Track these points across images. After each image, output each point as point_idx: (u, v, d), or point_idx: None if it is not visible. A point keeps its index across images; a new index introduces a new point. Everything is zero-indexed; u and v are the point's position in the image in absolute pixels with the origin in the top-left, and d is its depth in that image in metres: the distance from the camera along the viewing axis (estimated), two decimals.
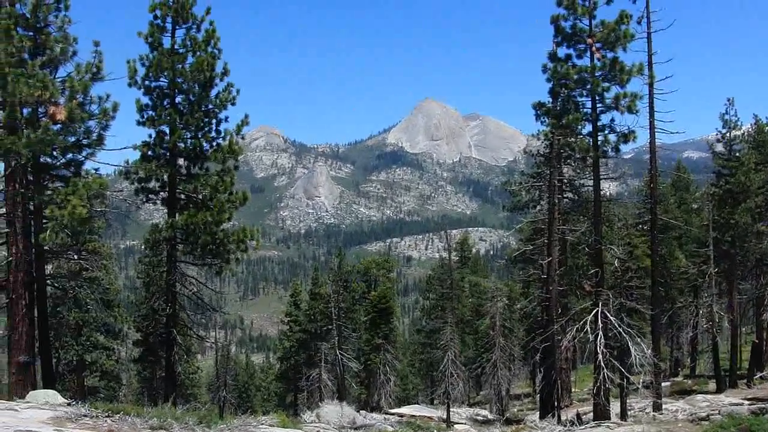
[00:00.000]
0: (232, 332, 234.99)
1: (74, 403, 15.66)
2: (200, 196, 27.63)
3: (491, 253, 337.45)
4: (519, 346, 55.82)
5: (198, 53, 27.70)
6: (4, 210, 24.87)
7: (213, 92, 27.94)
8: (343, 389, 53.27)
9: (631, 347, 28.94)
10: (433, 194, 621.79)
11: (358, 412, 31.68)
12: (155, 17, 27.94)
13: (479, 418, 48.65)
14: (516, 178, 47.35)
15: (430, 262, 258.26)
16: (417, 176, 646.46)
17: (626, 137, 29.32)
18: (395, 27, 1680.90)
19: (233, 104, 28.28)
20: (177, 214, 27.92)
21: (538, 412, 39.47)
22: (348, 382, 55.89)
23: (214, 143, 28.22)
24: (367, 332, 57.55)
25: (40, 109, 22.85)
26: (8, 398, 19.61)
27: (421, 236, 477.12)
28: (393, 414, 44.51)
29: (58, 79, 23.66)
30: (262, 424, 15.20)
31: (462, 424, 42.60)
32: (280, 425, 15.87)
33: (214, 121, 28.25)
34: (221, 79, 27.98)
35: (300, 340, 60.29)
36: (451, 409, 45.38)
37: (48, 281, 27.04)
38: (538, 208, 43.96)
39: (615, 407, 32.05)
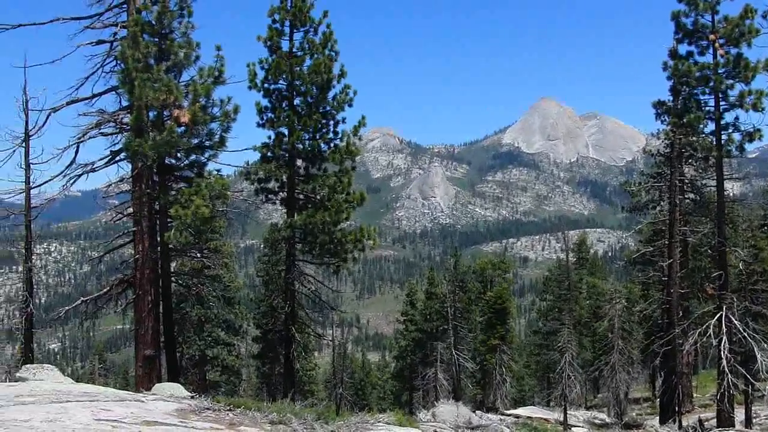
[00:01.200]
0: (348, 330, 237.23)
1: (197, 396, 16.04)
2: (318, 197, 27.95)
3: (609, 254, 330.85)
4: (638, 349, 54.66)
5: (316, 56, 28.04)
6: (131, 210, 25.77)
7: (330, 94, 28.23)
8: (458, 389, 53.16)
9: (756, 353, 28.06)
10: (549, 194, 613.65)
11: (473, 412, 31.59)
12: (274, 21, 28.45)
13: (597, 421, 47.85)
14: (635, 179, 46.30)
15: (547, 263, 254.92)
16: (533, 176, 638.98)
17: (751, 136, 28.44)
18: (511, 27, 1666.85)
19: (350, 106, 28.52)
20: (296, 214, 28.31)
21: (657, 417, 38.63)
22: (464, 382, 55.70)
23: (332, 144, 28.52)
24: (483, 333, 57.31)
25: (165, 112, 23.41)
26: (135, 390, 20.29)
27: (537, 237, 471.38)
28: (509, 415, 44.21)
29: (182, 83, 24.26)
30: (379, 421, 15.27)
31: (579, 427, 41.99)
32: (397, 423, 15.93)
33: (331, 122, 28.55)
34: (338, 81, 28.24)
35: (416, 340, 60.42)
36: (568, 412, 44.76)
37: (172, 278, 27.82)
38: (658, 208, 42.94)
39: (739, 414, 31.11)
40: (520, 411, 48.17)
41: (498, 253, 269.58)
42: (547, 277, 73.53)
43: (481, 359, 56.17)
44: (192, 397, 15.61)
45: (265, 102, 28.76)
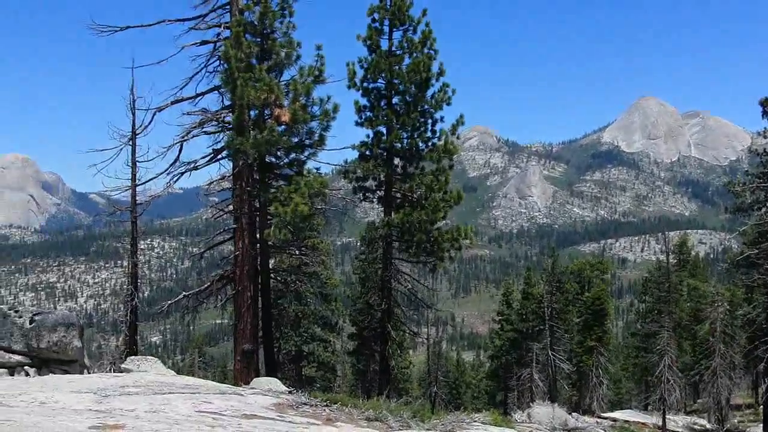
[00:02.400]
0: (443, 329, 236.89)
1: (295, 391, 16.21)
2: (416, 195, 27.95)
3: (711, 256, 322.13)
4: (741, 354, 53.12)
5: (414, 54, 28.06)
6: (232, 207, 26.23)
7: (429, 93, 28.19)
8: (554, 390, 52.58)
9: None
10: (649, 194, 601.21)
11: (569, 414, 31.26)
12: (373, 20, 28.58)
13: (696, 427, 46.86)
14: (739, 178, 44.90)
15: (646, 264, 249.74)
16: (633, 176, 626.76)
17: None
18: (612, 24, 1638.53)
19: (448, 104, 28.44)
20: (393, 213, 28.39)
21: (761, 426, 37.58)
22: (559, 383, 55.09)
23: (430, 143, 28.49)
24: (579, 334, 56.58)
25: (266, 111, 23.75)
26: (234, 383, 20.65)
27: (636, 238, 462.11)
28: (605, 418, 43.65)
29: (283, 82, 24.60)
30: (475, 421, 15.19)
31: None
32: (493, 423, 15.83)
33: (429, 121, 28.52)
34: (437, 80, 28.18)
35: (511, 339, 60.00)
36: (667, 417, 43.92)
37: (271, 275, 28.20)
38: (764, 210, 41.73)
39: None
40: (617, 414, 47.50)
41: (596, 253, 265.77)
42: (647, 279, 72.01)
43: (578, 361, 55.47)
44: (289, 392, 15.78)
45: (363, 101, 28.92)
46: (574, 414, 35.89)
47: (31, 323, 19.35)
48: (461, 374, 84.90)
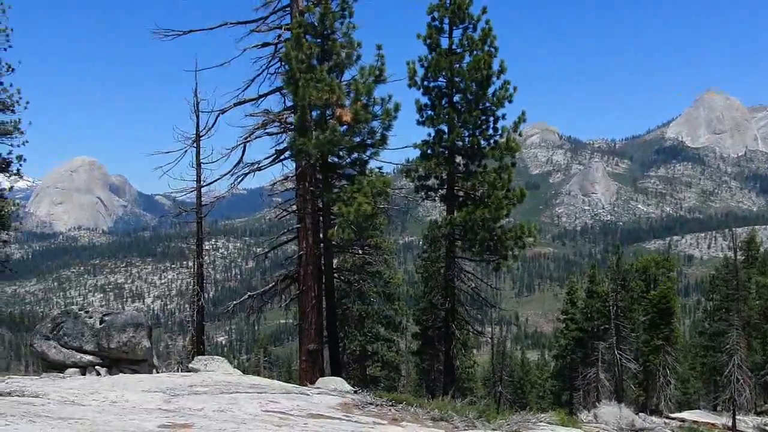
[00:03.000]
0: (507, 328, 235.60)
1: (360, 390, 16.24)
2: (478, 193, 27.84)
3: None
4: None
5: (475, 52, 27.95)
6: (295, 207, 26.41)
7: (490, 90, 28.04)
8: (620, 390, 51.94)
9: None
10: (715, 190, 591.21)
11: (636, 414, 30.87)
12: (433, 19, 28.56)
13: None
14: None
15: (713, 261, 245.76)
16: (698, 171, 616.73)
17: None
18: (675, 19, 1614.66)
19: (510, 102, 28.26)
20: (455, 211, 28.33)
21: None
22: (625, 383, 54.42)
23: (492, 141, 28.34)
24: (645, 332, 55.75)
25: (327, 112, 23.85)
26: (299, 383, 20.77)
27: (702, 234, 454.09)
28: (673, 418, 42.99)
29: (344, 82, 24.67)
30: (541, 421, 15.06)
31: None
32: (559, 423, 15.68)
33: (491, 118, 28.37)
34: (498, 77, 28.00)
35: (576, 338, 59.43)
36: (737, 417, 43.11)
37: (335, 274, 28.33)
38: None
39: None
40: (685, 415, 46.72)
41: (661, 250, 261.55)
42: (714, 276, 70.74)
43: (644, 360, 54.66)
44: (355, 392, 15.81)
45: (424, 99, 28.94)
46: (641, 414, 35.46)
47: (101, 323, 19.70)
48: (526, 374, 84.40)
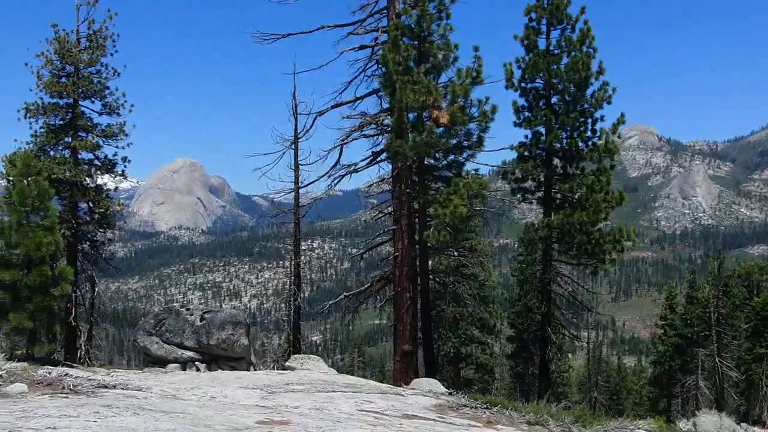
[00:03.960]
0: (603, 333, 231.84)
1: (454, 392, 16.24)
2: (576, 196, 27.50)
3: None
4: None
5: (573, 53, 27.62)
6: (391, 208, 26.54)
7: (588, 92, 27.66)
8: (720, 399, 50.63)
9: None
10: None
11: (737, 424, 30.05)
12: (530, 20, 28.34)
13: None
14: None
15: None
16: None
17: None
18: None
19: (609, 103, 27.83)
20: (553, 214, 28.07)
21: None
22: (726, 392, 53.04)
23: (590, 143, 27.95)
24: (748, 340, 54.19)
25: (424, 114, 23.89)
26: (393, 384, 20.86)
27: None
28: None
29: (441, 85, 24.69)
30: (639, 428, 14.84)
31: None
32: (657, 431, 15.45)
33: (589, 120, 27.97)
34: (596, 78, 27.60)
35: (675, 345, 58.15)
36: None
37: (429, 276, 28.36)
38: None
39: None
40: None
41: (765, 256, 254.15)
42: None
43: (746, 368, 53.15)
44: (449, 394, 15.82)
45: (521, 101, 28.72)
46: (742, 424, 34.42)
47: (201, 321, 20.15)
48: (622, 380, 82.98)
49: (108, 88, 32.24)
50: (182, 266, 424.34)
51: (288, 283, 31.00)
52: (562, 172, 28.53)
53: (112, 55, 32.38)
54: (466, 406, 13.90)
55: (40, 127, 31.46)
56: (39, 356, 17.43)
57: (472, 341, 46.00)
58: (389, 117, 25.28)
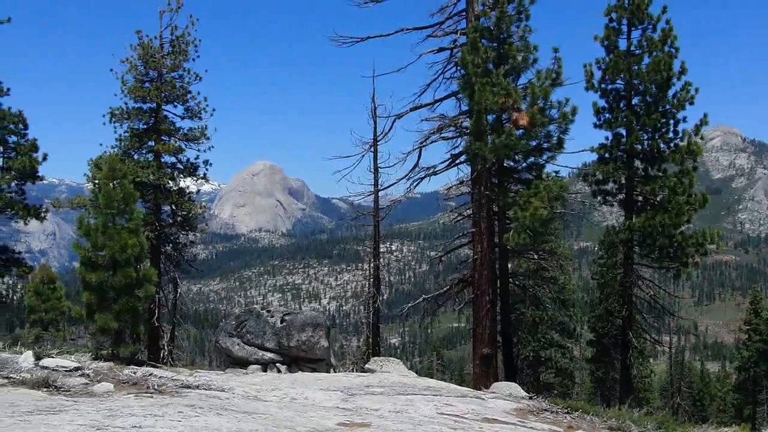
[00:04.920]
0: (685, 338, 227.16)
1: (535, 396, 16.14)
2: (658, 198, 27.15)
3: None
4: None
5: (654, 53, 27.26)
6: (470, 211, 26.51)
7: (670, 92, 27.27)
8: None
9: None
10: None
11: None
12: (610, 20, 28.06)
13: None
14: None
15: None
16: None
17: None
18: None
19: (691, 104, 27.38)
20: (634, 216, 27.76)
21: None
22: None
23: (672, 144, 27.54)
24: None
25: (503, 116, 23.85)
26: (473, 387, 20.81)
27: None
28: None
29: (520, 86, 24.58)
30: None
31: None
32: None
33: (671, 121, 27.57)
34: (678, 79, 27.20)
35: (760, 351, 56.75)
36: None
37: (509, 279, 28.25)
38: None
39: None
40: None
41: None
42: None
43: None
44: (530, 398, 15.71)
45: (602, 102, 28.47)
46: None
47: (282, 323, 20.38)
48: (705, 385, 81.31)
49: (190, 92, 32.89)
50: (262, 268, 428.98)
51: (367, 285, 31.17)
52: (643, 174, 28.16)
53: (194, 60, 33.04)
54: (546, 410, 13.80)
55: (125, 132, 32.26)
56: (124, 356, 17.79)
57: (552, 345, 45.64)
58: (468, 119, 25.27)
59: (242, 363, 20.52)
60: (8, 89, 31.54)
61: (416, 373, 21.79)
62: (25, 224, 34.15)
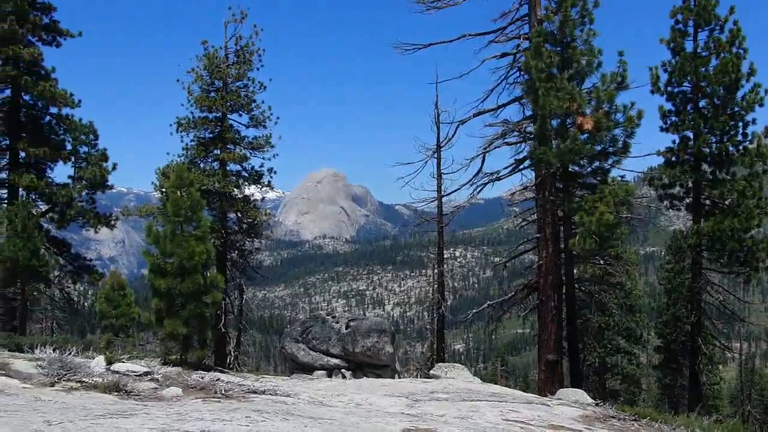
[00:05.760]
0: (756, 344, 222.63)
1: (601, 403, 15.98)
2: (726, 202, 26.74)
3: None
4: None
5: (722, 55, 26.88)
6: (535, 216, 26.37)
7: (739, 94, 26.85)
8: None
9: None
10: None
11: None
12: (676, 22, 27.76)
13: None
14: None
15: None
16: None
17: None
18: None
19: (761, 105, 26.90)
20: (702, 221, 27.37)
21: None
22: None
23: (741, 147, 27.09)
24: None
25: (568, 120, 23.71)
26: (538, 393, 20.68)
27: None
28: None
29: (585, 90, 24.39)
30: None
31: None
32: None
33: (740, 123, 27.13)
34: (747, 80, 26.78)
35: None
36: None
37: (575, 284, 28.02)
38: None
39: None
40: None
41: None
42: None
43: None
44: (596, 404, 15.57)
45: (668, 105, 28.19)
46: None
47: (347, 329, 20.50)
48: None
49: (254, 101, 33.22)
50: (326, 274, 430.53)
51: (431, 291, 31.17)
52: (711, 177, 27.78)
53: (258, 69, 33.39)
54: (613, 417, 13.67)
55: (191, 141, 32.72)
56: (191, 361, 18.02)
57: (618, 351, 45.11)
58: (532, 124, 25.17)
59: (307, 368, 20.68)
60: (79, 101, 32.21)
61: (480, 379, 21.74)
62: (96, 232, 34.76)
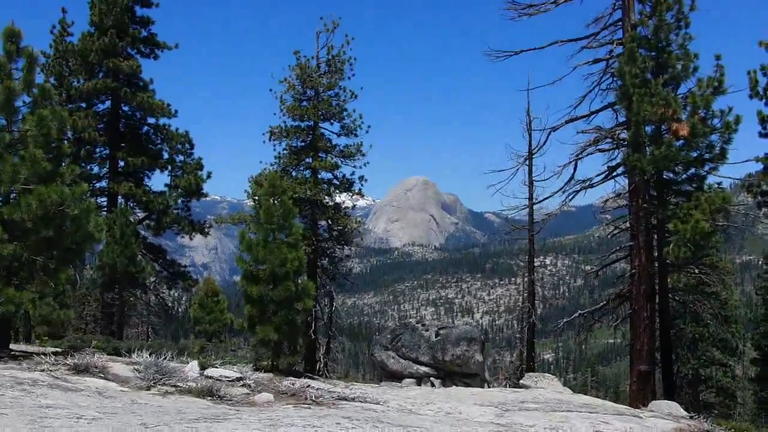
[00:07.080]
0: None
1: (696, 416, 15.64)
2: None
3: None
4: None
5: None
6: (628, 224, 25.94)
7: None
8: None
9: None
10: None
11: None
12: None
13: None
14: None
15: None
16: None
17: None
18: None
19: None
20: None
21: None
22: None
23: None
24: None
25: (662, 126, 23.30)
26: (629, 405, 20.30)
27: None
28: None
29: (680, 96, 23.94)
30: None
31: None
32: None
33: None
34: None
35: None
36: None
37: (668, 294, 27.48)
38: None
39: None
40: None
41: None
42: None
43: None
44: (690, 417, 15.23)
45: (767, 110, 27.33)
46: None
47: (436, 337, 20.46)
48: None
49: (346, 110, 33.50)
50: (415, 282, 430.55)
51: (521, 299, 30.98)
52: None
53: (349, 78, 33.66)
54: (708, 431, 13.33)
55: (283, 149, 33.19)
56: (282, 367, 18.21)
57: (713, 363, 44.11)
58: (625, 131, 24.82)
59: (396, 376, 20.71)
60: (176, 111, 33.03)
61: (571, 389, 21.46)
62: (190, 239, 35.53)
